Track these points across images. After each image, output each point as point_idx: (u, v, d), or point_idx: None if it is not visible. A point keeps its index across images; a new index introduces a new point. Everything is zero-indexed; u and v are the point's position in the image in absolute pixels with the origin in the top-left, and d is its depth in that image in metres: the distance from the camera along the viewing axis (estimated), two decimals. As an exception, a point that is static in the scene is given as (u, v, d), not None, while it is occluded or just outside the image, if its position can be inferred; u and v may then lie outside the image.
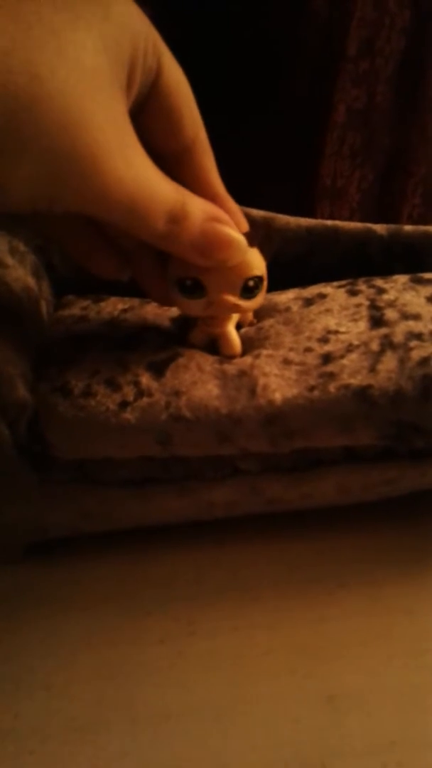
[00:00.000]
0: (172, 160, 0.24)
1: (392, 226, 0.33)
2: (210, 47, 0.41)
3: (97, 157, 0.19)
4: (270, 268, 0.27)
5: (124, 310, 0.31)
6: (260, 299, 0.27)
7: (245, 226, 0.26)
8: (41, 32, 0.18)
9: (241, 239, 0.24)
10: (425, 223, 0.49)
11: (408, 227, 0.33)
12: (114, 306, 0.32)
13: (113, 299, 0.32)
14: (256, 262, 0.26)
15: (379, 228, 0.33)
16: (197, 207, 0.23)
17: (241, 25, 0.42)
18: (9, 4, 0.17)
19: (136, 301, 0.32)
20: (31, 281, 0.30)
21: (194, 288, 0.26)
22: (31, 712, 0.23)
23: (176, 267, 0.26)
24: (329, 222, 0.33)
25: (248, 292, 0.26)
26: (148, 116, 0.23)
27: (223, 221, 0.24)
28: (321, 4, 0.42)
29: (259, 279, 0.26)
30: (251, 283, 0.26)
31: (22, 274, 0.30)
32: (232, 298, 0.26)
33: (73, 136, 0.19)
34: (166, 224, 0.22)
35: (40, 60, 0.18)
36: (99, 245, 0.26)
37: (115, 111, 0.20)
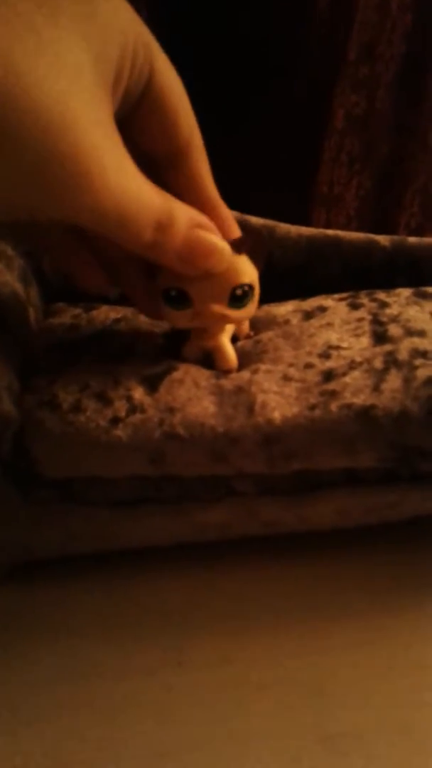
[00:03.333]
0: (165, 164, 0.23)
1: (396, 238, 0.32)
2: (207, 50, 0.40)
3: (82, 161, 0.18)
4: (268, 278, 0.26)
5: (117, 320, 0.30)
6: (251, 309, 0.26)
7: (237, 233, 0.25)
8: (20, 27, 0.16)
9: (225, 246, 0.23)
10: (423, 233, 0.49)
11: (412, 239, 0.32)
12: (106, 315, 0.30)
13: (105, 308, 0.31)
14: (245, 270, 0.24)
15: (383, 239, 0.32)
16: (183, 214, 0.22)
17: (240, 28, 0.41)
18: None
19: (129, 311, 0.31)
20: (18, 287, 0.29)
21: (180, 298, 0.25)
22: (6, 751, 0.22)
23: (162, 278, 0.25)
24: (330, 232, 0.32)
25: (237, 301, 0.25)
26: (140, 119, 0.22)
27: (207, 228, 0.23)
28: (322, 8, 0.41)
29: (249, 287, 0.25)
30: (239, 291, 0.24)
31: (9, 279, 0.28)
32: (220, 308, 0.24)
33: (54, 136, 0.17)
34: (153, 233, 0.21)
35: (17, 54, 0.16)
36: (86, 258, 0.25)
37: (99, 112, 0.19)
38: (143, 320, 0.30)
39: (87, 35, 0.18)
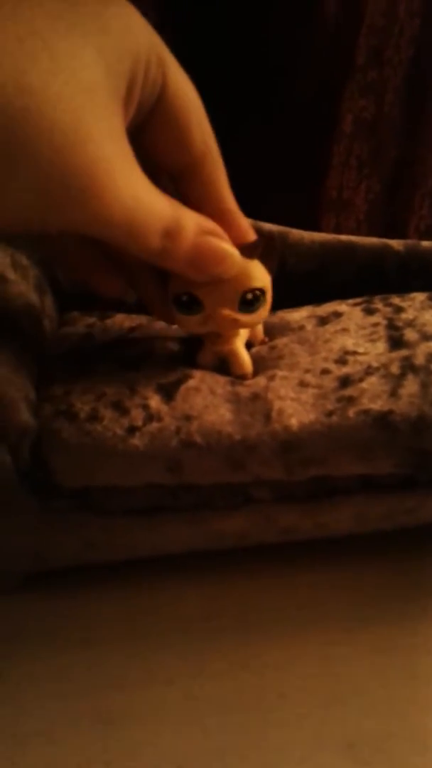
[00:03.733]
0: (180, 175, 0.23)
1: (409, 242, 0.32)
2: (215, 55, 0.40)
3: (95, 177, 0.18)
4: (282, 284, 0.26)
5: (132, 329, 0.30)
6: (263, 313, 0.26)
7: (253, 236, 0.25)
8: (34, 43, 0.17)
9: (235, 252, 0.23)
10: (433, 236, 0.48)
11: (426, 243, 0.32)
12: (121, 324, 0.30)
13: (120, 316, 0.31)
14: (256, 274, 0.24)
15: (396, 244, 0.32)
16: (191, 221, 0.22)
17: (248, 33, 0.41)
18: (1, 13, 0.16)
19: (144, 319, 0.30)
20: (33, 297, 0.29)
21: (190, 303, 0.25)
22: (28, 761, 0.22)
23: (173, 283, 0.25)
24: (344, 237, 0.32)
25: (248, 305, 0.25)
26: (154, 130, 0.22)
27: (217, 234, 0.23)
28: (329, 12, 0.41)
29: (260, 291, 0.25)
30: (249, 296, 0.24)
31: (24, 290, 0.28)
32: (230, 312, 0.24)
33: (68, 153, 0.17)
34: (161, 241, 0.21)
35: (32, 72, 0.16)
36: (100, 264, 0.25)
37: (112, 126, 0.19)
38: (158, 327, 0.30)
39: (101, 49, 0.18)
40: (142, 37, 0.20)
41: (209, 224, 0.23)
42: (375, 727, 0.22)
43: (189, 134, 0.22)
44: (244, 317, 0.25)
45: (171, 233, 0.21)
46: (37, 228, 0.19)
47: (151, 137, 0.22)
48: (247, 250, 0.24)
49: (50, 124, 0.17)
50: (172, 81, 0.21)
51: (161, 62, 0.20)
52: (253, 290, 0.24)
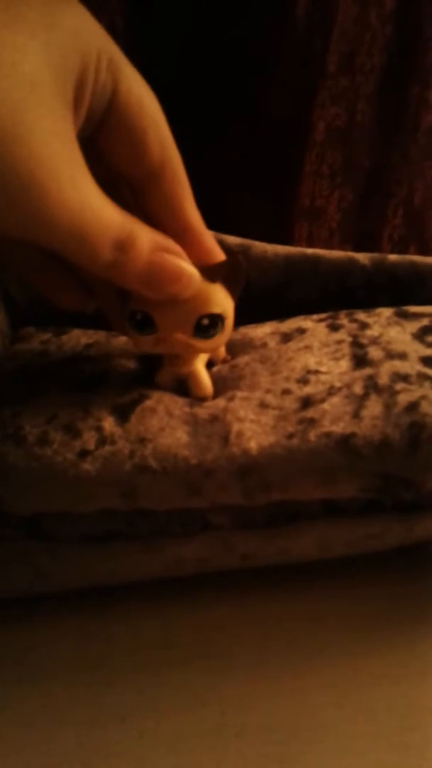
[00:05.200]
0: (139, 187, 0.22)
1: (376, 255, 0.31)
2: (183, 62, 0.39)
3: (38, 175, 0.17)
4: (245, 299, 0.25)
5: (89, 345, 0.29)
6: (221, 340, 0.24)
7: (221, 257, 0.24)
8: None
9: (193, 272, 0.22)
10: (407, 246, 0.48)
11: (392, 256, 0.31)
12: (77, 340, 0.29)
13: (77, 332, 0.30)
14: (216, 298, 0.23)
15: (362, 257, 0.31)
16: (145, 236, 0.21)
17: (217, 38, 0.40)
18: None
19: (102, 335, 0.29)
20: (-16, 312, 0.28)
21: (144, 323, 0.23)
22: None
23: (131, 299, 0.23)
24: (309, 250, 0.31)
25: (202, 331, 0.23)
26: (108, 138, 0.21)
27: (173, 252, 0.22)
28: (299, 17, 0.40)
29: (218, 317, 0.23)
30: (206, 321, 0.23)
31: (-27, 305, 0.27)
32: (183, 337, 0.23)
33: (9, 148, 0.16)
34: (111, 252, 0.20)
35: None
36: (58, 275, 0.24)
37: (57, 125, 0.18)
38: (116, 345, 0.29)
39: (47, 45, 0.17)
40: (93, 38, 0.19)
41: (165, 241, 0.22)
42: (333, 765, 0.21)
43: (143, 143, 0.21)
44: (198, 343, 0.24)
45: (123, 246, 0.20)
46: None
47: (106, 146, 0.21)
48: (210, 272, 0.23)
49: None
50: (125, 85, 0.20)
51: (112, 66, 0.19)
52: (210, 315, 0.23)
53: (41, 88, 0.17)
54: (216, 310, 0.23)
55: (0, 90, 0.16)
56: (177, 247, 0.22)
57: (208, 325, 0.23)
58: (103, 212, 0.19)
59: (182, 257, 0.22)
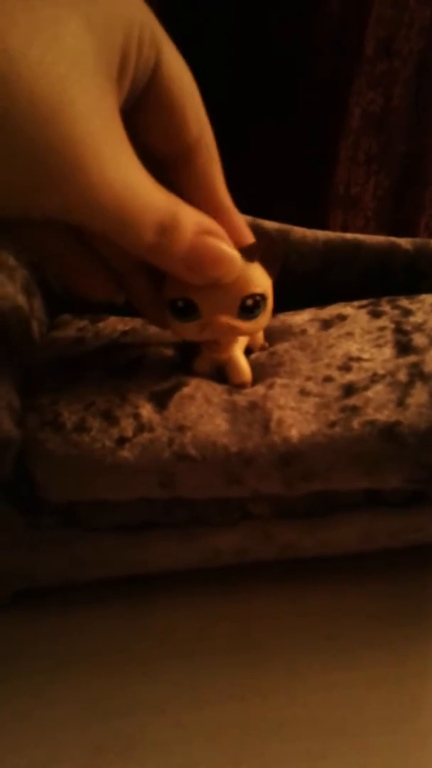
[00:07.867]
0: (172, 164, 0.21)
1: (418, 240, 0.30)
2: (219, 49, 0.39)
3: (81, 154, 0.17)
4: (283, 285, 0.24)
5: (125, 333, 0.28)
6: (264, 320, 0.24)
7: (250, 240, 0.23)
8: (14, 6, 0.15)
9: (236, 255, 0.22)
10: (444, 234, 0.47)
11: (435, 241, 0.30)
12: (113, 327, 0.29)
13: (113, 319, 0.29)
14: (257, 279, 0.23)
15: (404, 242, 0.30)
16: (189, 218, 0.20)
17: (252, 25, 0.40)
18: None
19: (137, 322, 0.29)
20: (21, 299, 0.27)
21: (187, 309, 0.23)
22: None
23: (168, 287, 0.23)
24: (349, 235, 0.30)
25: (247, 312, 0.23)
26: (146, 114, 0.20)
27: (217, 235, 0.21)
28: (336, 3, 0.40)
29: (261, 297, 0.23)
30: (250, 302, 0.23)
31: (10, 292, 0.27)
32: (229, 319, 0.23)
33: (51, 126, 0.16)
34: (155, 235, 0.19)
35: (11, 36, 0.15)
36: (89, 264, 0.24)
37: (101, 101, 0.17)
38: (153, 332, 0.28)
39: (89, 17, 0.17)
40: (136, 12, 0.18)
41: (210, 223, 0.21)
42: (380, 763, 0.21)
43: (182, 119, 0.20)
44: (243, 325, 0.23)
45: (167, 229, 0.20)
46: (21, 210, 0.17)
47: (143, 122, 0.20)
48: (247, 253, 0.23)
49: (30, 92, 0.15)
50: (166, 61, 0.19)
51: (155, 40, 0.19)
52: (253, 296, 0.23)
53: (84, 62, 0.16)
54: (258, 290, 0.23)
55: (42, 64, 0.15)
56: (220, 230, 0.22)
57: (253, 306, 0.23)
58: (148, 193, 0.19)
59: (225, 240, 0.22)
